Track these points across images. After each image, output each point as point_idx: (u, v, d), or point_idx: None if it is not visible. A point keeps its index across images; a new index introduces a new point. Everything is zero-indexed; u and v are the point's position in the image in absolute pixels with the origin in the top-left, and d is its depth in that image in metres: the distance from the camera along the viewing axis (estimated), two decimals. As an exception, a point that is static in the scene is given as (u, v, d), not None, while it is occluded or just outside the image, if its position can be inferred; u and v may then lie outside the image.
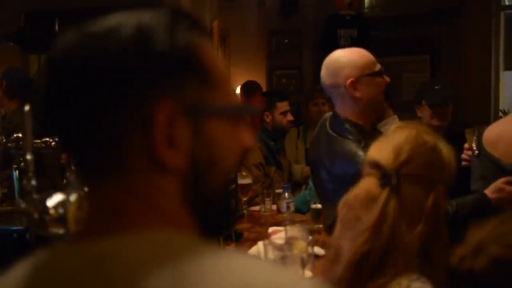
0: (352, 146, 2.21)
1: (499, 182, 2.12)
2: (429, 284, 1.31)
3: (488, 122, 5.51)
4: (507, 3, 5.76)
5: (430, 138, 1.48)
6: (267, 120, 3.90)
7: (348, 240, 1.43)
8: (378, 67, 2.27)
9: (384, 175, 1.43)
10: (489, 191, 2.15)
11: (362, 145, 2.14)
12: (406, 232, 1.37)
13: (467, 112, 5.54)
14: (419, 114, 3.36)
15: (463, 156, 2.39)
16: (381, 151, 1.50)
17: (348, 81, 2.21)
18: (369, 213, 1.42)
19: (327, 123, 2.33)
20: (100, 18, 0.71)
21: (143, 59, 0.68)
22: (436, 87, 3.39)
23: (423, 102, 3.33)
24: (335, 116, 2.30)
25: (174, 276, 0.61)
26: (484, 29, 5.59)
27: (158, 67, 0.69)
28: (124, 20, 0.70)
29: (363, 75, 2.21)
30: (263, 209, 3.41)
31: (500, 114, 5.52)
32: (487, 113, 5.63)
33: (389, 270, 1.34)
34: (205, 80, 0.72)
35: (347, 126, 2.23)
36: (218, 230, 0.85)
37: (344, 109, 2.27)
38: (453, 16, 5.72)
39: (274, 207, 3.41)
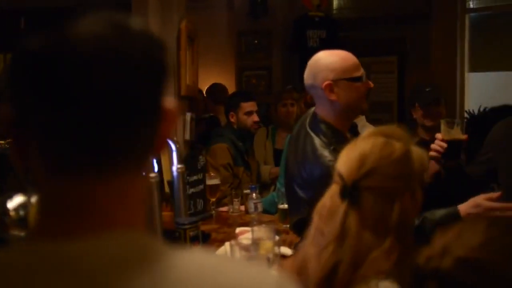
0: (320, 147, 2.24)
1: (479, 198, 2.06)
2: (396, 284, 1.30)
3: (454, 123, 5.63)
4: (472, 6, 5.86)
5: (399, 146, 1.44)
6: (232, 120, 3.89)
7: (314, 254, 1.41)
8: (360, 72, 2.28)
9: (345, 186, 1.42)
10: (465, 206, 2.08)
11: (332, 147, 2.18)
12: (374, 245, 1.35)
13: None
14: (414, 116, 3.52)
15: (434, 146, 2.27)
16: (346, 160, 1.49)
17: (324, 84, 2.23)
18: (331, 225, 1.41)
19: (307, 120, 2.37)
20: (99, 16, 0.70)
21: (163, 69, 0.72)
22: (427, 89, 3.55)
23: (416, 104, 3.48)
24: (314, 115, 2.34)
25: (150, 277, 0.62)
26: (450, 31, 5.68)
27: (165, 73, 0.72)
28: (136, 23, 0.72)
29: (341, 78, 2.23)
30: (231, 210, 3.40)
31: (466, 115, 5.61)
32: (453, 114, 5.71)
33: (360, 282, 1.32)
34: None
35: (322, 126, 2.27)
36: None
37: (322, 110, 2.31)
38: (420, 18, 5.79)
39: (243, 207, 3.40)
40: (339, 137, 2.25)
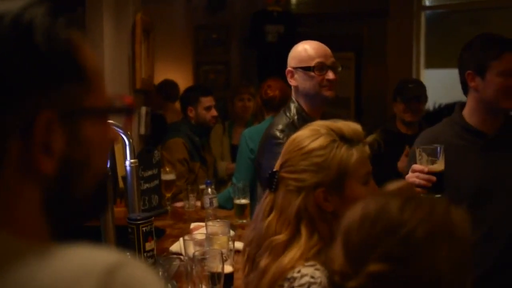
0: (280, 120, 2.42)
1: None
2: (322, 270, 1.35)
3: (409, 119, 5.69)
4: (427, 3, 5.94)
5: (318, 141, 1.46)
6: (191, 115, 3.85)
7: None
8: (313, 62, 2.40)
9: (270, 174, 1.53)
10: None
11: (290, 121, 2.39)
12: (276, 232, 1.45)
13: (389, 109, 5.69)
14: (395, 110, 3.72)
15: (419, 181, 1.95)
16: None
17: (287, 70, 2.47)
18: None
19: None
20: None
21: (23, 63, 0.65)
22: (410, 85, 3.75)
23: (398, 98, 3.68)
24: (292, 97, 2.52)
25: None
26: (406, 28, 5.74)
27: (39, 70, 0.66)
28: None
29: (297, 67, 2.43)
30: (187, 205, 3.37)
31: (421, 111, 5.69)
32: (409, 110, 5.79)
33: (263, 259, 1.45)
34: (82, 82, 0.70)
35: (291, 105, 2.47)
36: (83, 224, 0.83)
37: (295, 94, 2.51)
38: (377, 15, 5.85)
39: (199, 203, 3.37)
40: (303, 117, 2.39)
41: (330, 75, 2.42)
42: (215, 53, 6.11)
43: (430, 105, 5.60)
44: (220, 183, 3.93)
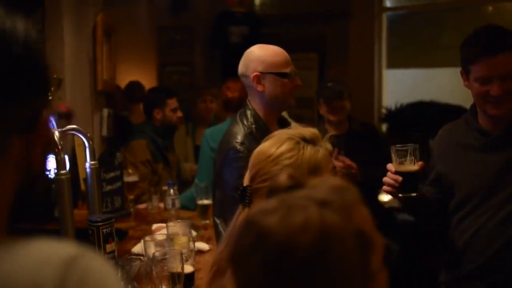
0: (237, 129, 2.34)
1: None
2: None
3: (372, 119, 5.80)
4: (388, 5, 6.04)
5: (275, 149, 1.51)
6: (158, 117, 3.83)
7: None
8: (288, 68, 2.34)
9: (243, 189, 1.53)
10: None
11: (249, 131, 2.30)
12: None
13: (354, 108, 5.75)
14: (321, 112, 3.55)
15: (387, 180, 2.01)
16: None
17: (253, 74, 2.33)
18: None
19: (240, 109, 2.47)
20: None
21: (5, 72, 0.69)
22: (329, 84, 3.57)
23: (320, 99, 3.52)
24: (246, 103, 2.43)
25: None
26: (368, 29, 5.82)
27: (39, 78, 0.73)
28: None
29: (268, 72, 2.32)
30: (150, 207, 3.37)
31: (384, 111, 5.77)
32: (371, 110, 5.88)
33: None
34: (44, 86, 0.76)
35: (248, 113, 2.37)
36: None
37: (251, 99, 2.41)
38: (340, 16, 5.91)
39: (162, 204, 3.36)
40: (261, 126, 2.33)
41: (299, 81, 2.40)
42: (179, 54, 6.09)
43: (391, 104, 5.70)
44: (184, 184, 3.93)
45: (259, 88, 2.34)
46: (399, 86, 6.03)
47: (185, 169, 4.20)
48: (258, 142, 2.23)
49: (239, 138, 2.28)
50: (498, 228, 2.01)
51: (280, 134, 1.56)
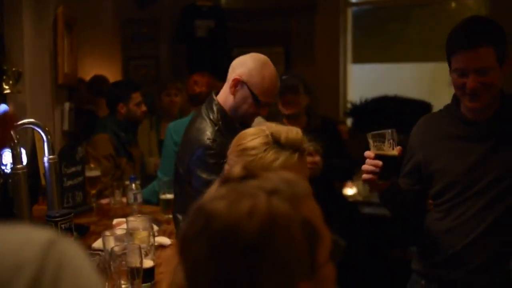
0: (206, 124, 2.31)
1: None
2: None
3: (337, 113, 5.84)
4: (353, 0, 6.08)
5: (248, 140, 1.56)
6: (122, 111, 3.78)
7: None
8: (266, 99, 2.30)
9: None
10: None
11: (217, 128, 2.29)
12: None
13: (318, 103, 5.78)
14: (278, 107, 3.44)
15: (366, 167, 1.98)
16: None
17: (235, 77, 2.30)
18: None
19: (204, 104, 2.43)
20: None
21: None
22: (283, 77, 3.40)
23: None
24: (211, 97, 2.40)
25: None
26: (333, 24, 5.86)
27: None
28: None
29: (248, 87, 2.29)
30: (112, 202, 3.33)
31: (349, 105, 5.82)
32: (337, 104, 5.92)
33: None
34: None
35: (215, 107, 2.34)
36: None
37: (222, 94, 2.39)
38: (305, 11, 5.93)
39: (125, 199, 3.33)
40: (228, 122, 2.32)
41: (264, 112, 2.39)
42: (144, 47, 6.04)
43: (356, 99, 5.75)
44: (148, 178, 3.89)
45: (231, 91, 2.32)
46: (364, 80, 6.09)
47: (149, 163, 4.16)
48: (225, 138, 2.26)
49: (209, 134, 2.26)
50: (476, 217, 2.03)
51: (267, 127, 1.58)
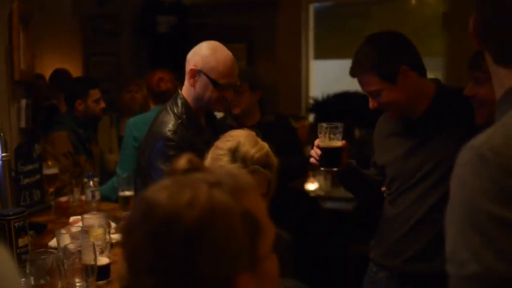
0: (168, 117, 2.33)
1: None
2: None
3: (299, 109, 5.88)
4: (316, -4, 6.13)
5: (222, 143, 1.64)
6: (80, 108, 3.73)
7: None
8: (225, 80, 2.31)
9: None
10: None
11: (180, 121, 2.31)
12: None
13: (281, 99, 5.82)
14: None
15: (311, 152, 2.19)
16: None
17: (190, 67, 2.34)
18: None
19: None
20: None
21: None
22: None
23: None
24: (179, 90, 2.43)
25: None
26: (295, 20, 5.89)
27: None
28: None
29: (204, 73, 2.31)
30: (71, 199, 3.29)
31: (311, 101, 5.86)
32: (299, 100, 5.95)
33: None
34: None
35: (179, 101, 2.37)
36: None
37: (184, 88, 2.41)
38: (268, 7, 5.95)
39: (84, 197, 3.29)
40: (192, 116, 2.35)
41: (229, 94, 2.38)
42: (106, 44, 5.97)
43: (318, 95, 5.80)
44: (109, 175, 3.85)
45: (190, 82, 2.35)
46: (326, 76, 6.14)
47: (109, 160, 4.12)
48: (188, 132, 2.28)
49: (171, 127, 2.28)
50: (412, 207, 2.13)
51: (246, 135, 1.64)
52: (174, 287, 0.86)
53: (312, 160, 2.18)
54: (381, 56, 2.03)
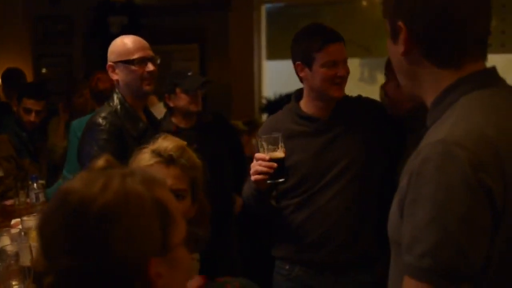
0: (102, 110, 2.42)
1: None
2: None
3: (252, 109, 5.93)
4: (267, -3, 6.18)
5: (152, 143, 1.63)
6: (15, 109, 3.70)
7: None
8: (136, 55, 2.40)
9: None
10: None
11: (113, 110, 2.39)
12: None
13: (234, 99, 5.86)
14: (171, 104, 3.23)
15: (260, 168, 2.06)
16: None
17: (107, 65, 2.45)
18: None
19: None
20: None
21: None
22: (189, 73, 3.35)
23: (178, 89, 3.20)
24: (115, 88, 2.49)
25: None
26: (247, 21, 5.94)
27: None
28: None
29: (117, 61, 2.42)
30: (17, 202, 3.27)
31: (264, 101, 5.92)
32: (252, 100, 6.00)
33: None
34: None
35: (115, 96, 2.45)
36: None
37: (117, 86, 2.48)
38: (221, 7, 5.97)
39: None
40: (126, 107, 2.42)
41: (150, 66, 2.44)
42: (57, 45, 5.92)
43: (271, 95, 5.85)
44: (57, 168, 3.77)
45: (114, 76, 2.44)
46: (279, 76, 6.20)
47: (56, 150, 3.99)
48: (121, 120, 2.33)
49: (103, 114, 2.37)
50: (329, 206, 2.21)
51: (169, 138, 1.65)
52: (89, 268, 0.90)
53: (257, 177, 2.06)
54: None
